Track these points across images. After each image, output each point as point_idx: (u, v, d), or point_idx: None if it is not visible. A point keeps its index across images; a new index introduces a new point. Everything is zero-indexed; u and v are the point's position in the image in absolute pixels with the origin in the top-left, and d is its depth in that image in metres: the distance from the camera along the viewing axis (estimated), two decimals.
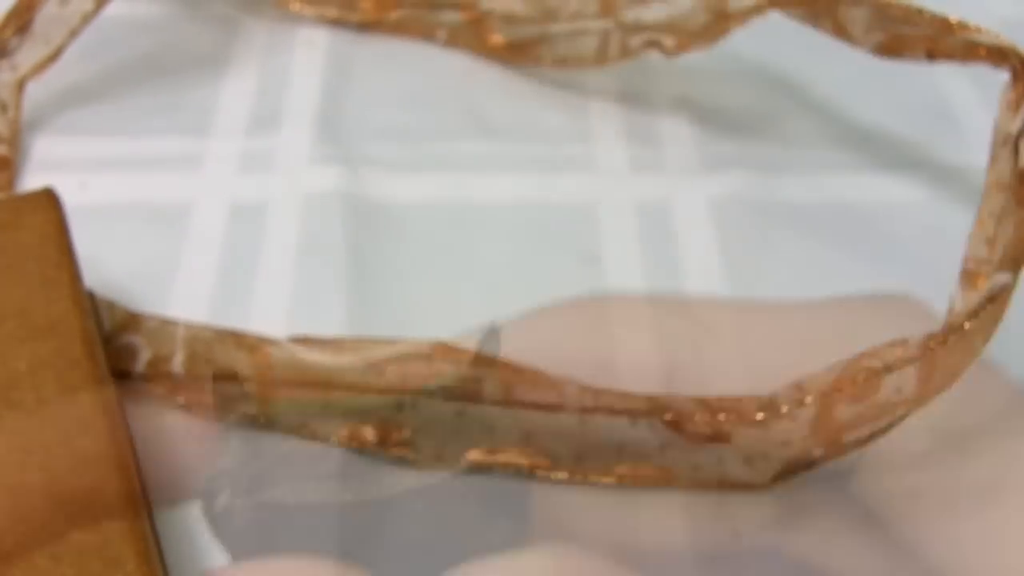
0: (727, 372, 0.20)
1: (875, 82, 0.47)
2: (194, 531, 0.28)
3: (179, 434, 0.18)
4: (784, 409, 0.25)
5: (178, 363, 0.36)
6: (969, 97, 0.47)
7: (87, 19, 0.43)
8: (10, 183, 0.41)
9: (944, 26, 0.37)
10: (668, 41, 0.43)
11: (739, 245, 0.40)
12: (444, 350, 0.27)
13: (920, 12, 0.38)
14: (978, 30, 0.37)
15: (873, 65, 0.40)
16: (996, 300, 0.33)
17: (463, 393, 0.24)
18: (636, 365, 0.21)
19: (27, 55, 0.42)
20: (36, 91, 0.43)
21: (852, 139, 0.45)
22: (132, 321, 0.37)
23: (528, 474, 0.25)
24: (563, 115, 0.46)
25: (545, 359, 0.21)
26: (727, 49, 0.43)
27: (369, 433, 0.29)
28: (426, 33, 0.48)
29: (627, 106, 0.46)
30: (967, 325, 0.33)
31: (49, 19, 0.42)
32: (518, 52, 0.46)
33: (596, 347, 0.23)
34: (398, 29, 0.49)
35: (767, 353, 0.19)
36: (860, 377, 0.26)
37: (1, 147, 0.42)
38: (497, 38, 0.47)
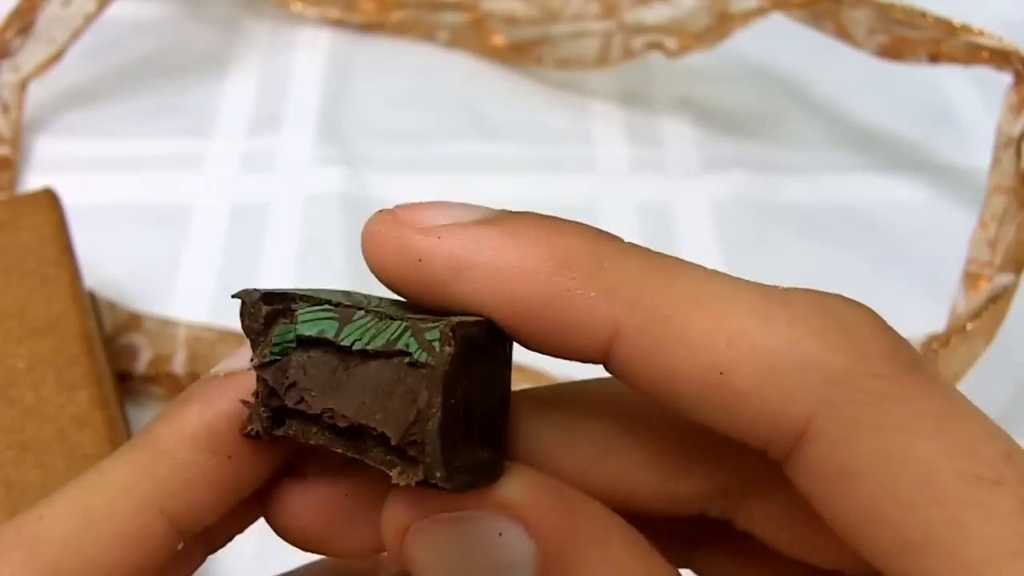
0: None
1: (876, 83, 0.47)
2: None
3: None
4: None
5: (179, 363, 0.36)
6: (971, 99, 0.47)
7: (89, 20, 0.43)
8: (11, 183, 0.41)
9: (947, 28, 0.37)
10: (670, 42, 0.43)
11: (739, 245, 0.40)
12: None
13: (923, 15, 0.38)
14: (981, 33, 0.37)
15: (874, 66, 0.40)
16: (998, 301, 0.33)
17: None
18: None
19: (29, 56, 0.42)
20: (38, 91, 0.43)
21: (853, 140, 0.45)
22: (133, 321, 0.37)
23: None
24: (564, 116, 0.46)
25: None
26: (729, 50, 0.43)
27: None
28: (427, 34, 0.49)
29: (628, 107, 0.46)
30: (969, 326, 0.33)
31: (51, 20, 0.42)
32: (519, 53, 0.46)
33: None
34: (399, 30, 0.49)
35: None
36: None
37: (3, 147, 0.42)
38: (498, 39, 0.47)
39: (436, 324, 0.16)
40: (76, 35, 0.43)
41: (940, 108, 0.46)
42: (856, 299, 0.16)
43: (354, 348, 0.16)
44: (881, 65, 0.40)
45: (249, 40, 0.49)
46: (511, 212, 0.17)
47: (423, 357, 0.16)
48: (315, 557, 0.19)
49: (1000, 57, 0.37)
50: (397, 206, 0.17)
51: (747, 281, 0.16)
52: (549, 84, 0.47)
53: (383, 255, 0.17)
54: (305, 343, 0.17)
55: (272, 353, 0.17)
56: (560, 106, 0.46)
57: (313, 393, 0.17)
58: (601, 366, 0.17)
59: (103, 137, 0.44)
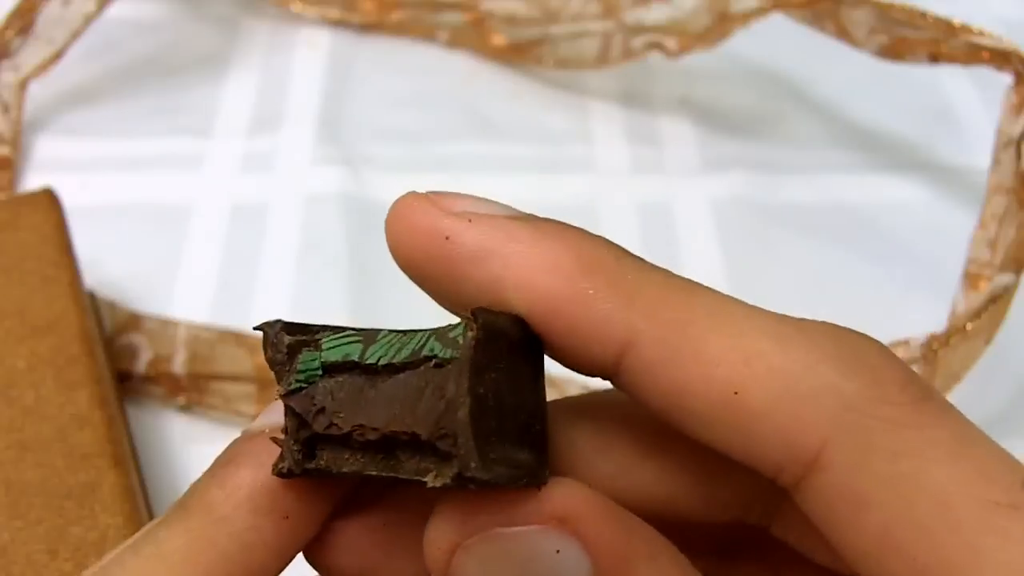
0: None
1: (876, 83, 0.47)
2: None
3: None
4: None
5: (179, 363, 0.36)
6: (971, 99, 0.47)
7: (89, 20, 0.43)
8: (11, 183, 0.41)
9: (947, 29, 0.37)
10: (670, 43, 0.43)
11: (739, 245, 0.40)
12: None
13: (923, 15, 0.38)
14: (981, 33, 0.37)
15: (875, 66, 0.40)
16: (998, 301, 0.33)
17: None
18: None
19: (29, 56, 0.42)
20: (38, 91, 0.43)
21: (853, 140, 0.45)
22: (133, 321, 0.37)
23: None
24: (564, 116, 0.46)
25: None
26: (729, 50, 0.43)
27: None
28: (427, 34, 0.49)
29: (628, 107, 0.46)
30: (969, 326, 0.33)
31: (51, 20, 0.42)
32: (519, 53, 0.46)
33: None
34: (399, 30, 0.49)
35: None
36: None
37: (2, 147, 0.42)
38: (498, 39, 0.47)
39: (460, 322, 0.16)
40: (76, 35, 0.43)
41: (940, 108, 0.46)
42: (861, 323, 0.16)
43: (380, 364, 0.16)
44: (881, 65, 0.40)
45: (249, 40, 0.49)
46: (540, 217, 0.17)
47: (447, 353, 0.16)
48: None
49: (1000, 57, 0.37)
50: (430, 191, 0.17)
51: (762, 308, 0.16)
52: (549, 84, 0.47)
53: (410, 228, 0.17)
54: (331, 369, 0.17)
55: (297, 381, 0.17)
56: (560, 106, 0.46)
57: (342, 415, 0.16)
58: (608, 382, 0.16)
59: (103, 137, 0.44)
